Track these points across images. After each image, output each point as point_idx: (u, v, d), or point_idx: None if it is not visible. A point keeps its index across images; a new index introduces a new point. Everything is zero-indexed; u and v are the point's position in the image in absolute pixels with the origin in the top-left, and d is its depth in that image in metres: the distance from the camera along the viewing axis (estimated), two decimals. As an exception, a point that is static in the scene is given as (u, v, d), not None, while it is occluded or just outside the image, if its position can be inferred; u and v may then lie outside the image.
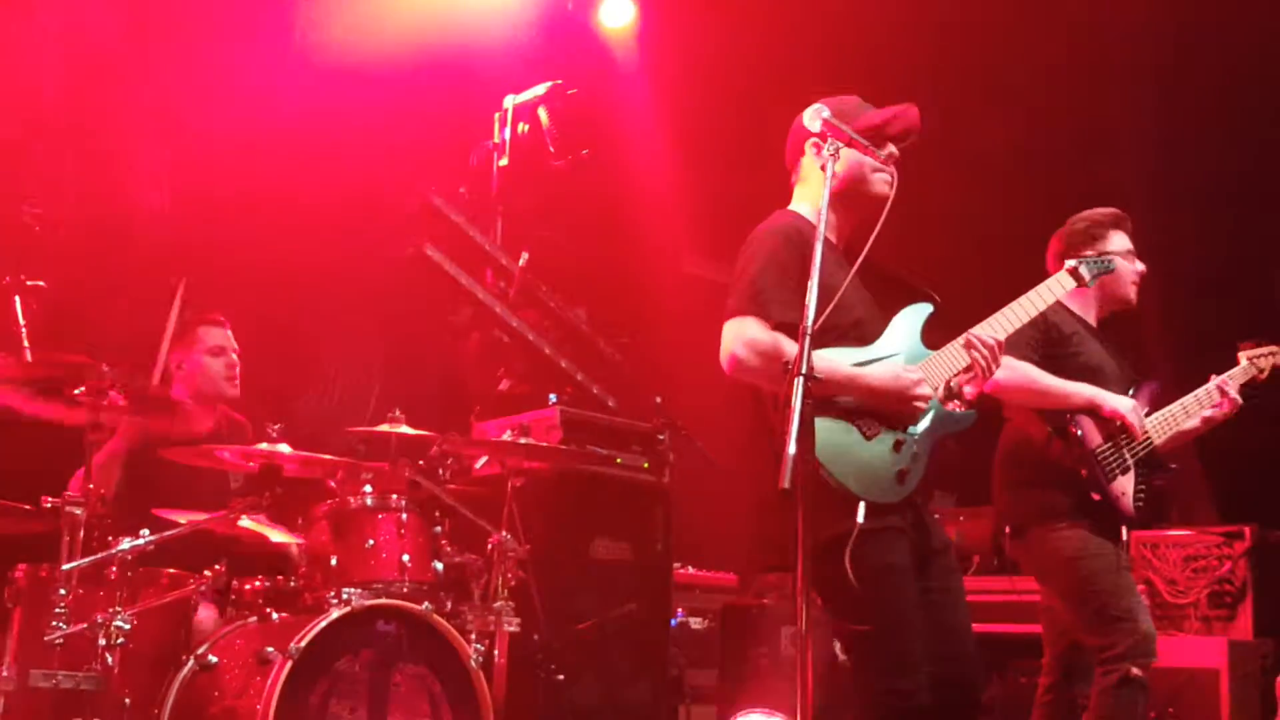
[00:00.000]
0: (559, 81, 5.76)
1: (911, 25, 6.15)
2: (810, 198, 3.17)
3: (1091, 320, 4.10)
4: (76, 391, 3.46)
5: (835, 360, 2.93)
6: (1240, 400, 4.00)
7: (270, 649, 3.52)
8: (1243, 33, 6.11)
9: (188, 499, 3.96)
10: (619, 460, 4.96)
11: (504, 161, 5.81)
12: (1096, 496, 3.79)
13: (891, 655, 2.91)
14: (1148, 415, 3.93)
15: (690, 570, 5.76)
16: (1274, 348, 4.18)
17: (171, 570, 3.70)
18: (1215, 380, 4.02)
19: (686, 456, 5.09)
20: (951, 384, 3.09)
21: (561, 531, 4.72)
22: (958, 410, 3.09)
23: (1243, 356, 4.13)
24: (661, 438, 5.09)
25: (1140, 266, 4.07)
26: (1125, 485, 3.84)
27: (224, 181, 5.55)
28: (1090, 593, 3.77)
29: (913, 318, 3.13)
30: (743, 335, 2.95)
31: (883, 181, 3.09)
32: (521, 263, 5.45)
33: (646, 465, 5.03)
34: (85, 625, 3.33)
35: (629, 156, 6.63)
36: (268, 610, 3.76)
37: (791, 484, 2.40)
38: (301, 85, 5.65)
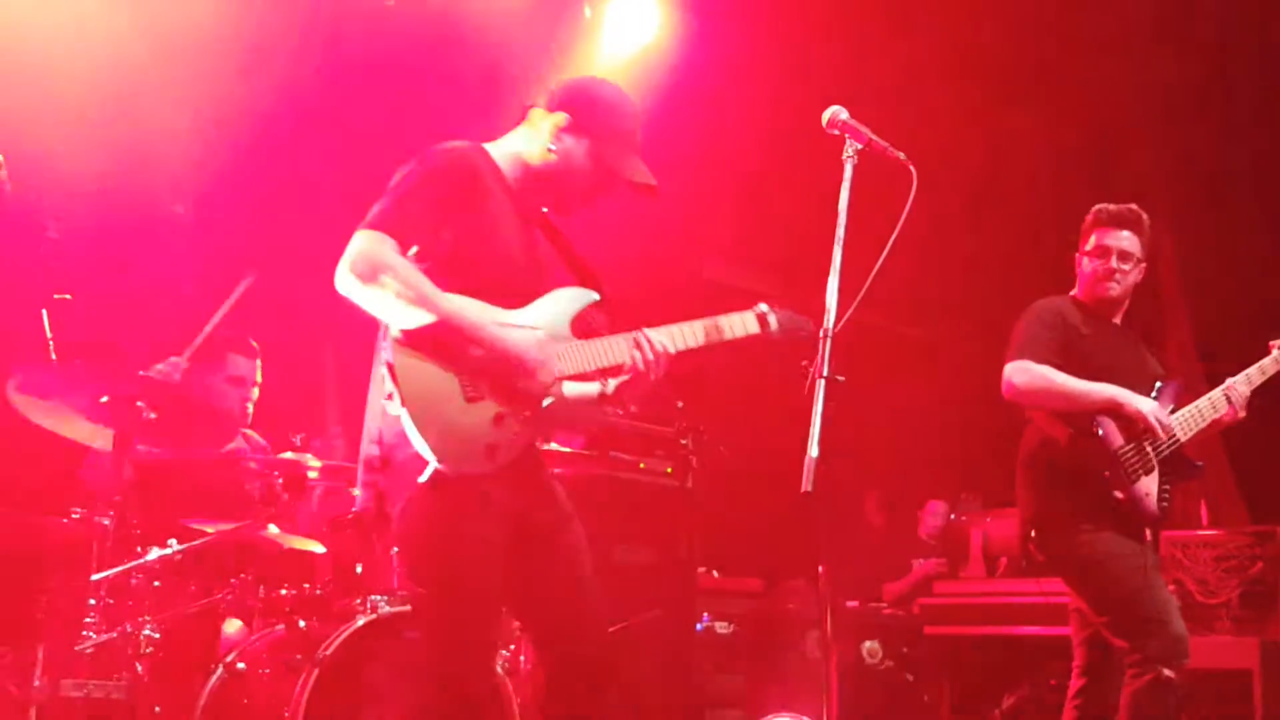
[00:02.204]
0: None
1: (932, 29, 6.13)
2: (517, 147, 2.94)
3: (1116, 318, 4.06)
4: (103, 400, 3.49)
5: (476, 311, 2.71)
6: (1243, 411, 3.93)
7: (298, 656, 3.54)
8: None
9: (209, 510, 3.98)
10: (642, 465, 4.95)
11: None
12: (1120, 496, 3.75)
13: (445, 633, 2.68)
14: (1171, 414, 3.89)
15: (715, 575, 5.75)
16: None
17: (199, 579, 3.73)
18: (1228, 383, 3.97)
19: (709, 461, 5.08)
20: (608, 385, 2.90)
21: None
22: (580, 412, 2.92)
23: (1274, 347, 4.07)
24: (684, 442, 5.08)
25: (1114, 265, 3.92)
26: (1149, 486, 3.79)
27: (245, 190, 5.60)
28: (1119, 595, 3.73)
29: (569, 300, 2.93)
30: (370, 248, 2.63)
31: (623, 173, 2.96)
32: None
33: (670, 470, 5.02)
34: (115, 634, 3.35)
35: (650, 161, 6.62)
36: (295, 618, 3.77)
37: (814, 487, 2.40)
38: (321, 93, 5.68)
